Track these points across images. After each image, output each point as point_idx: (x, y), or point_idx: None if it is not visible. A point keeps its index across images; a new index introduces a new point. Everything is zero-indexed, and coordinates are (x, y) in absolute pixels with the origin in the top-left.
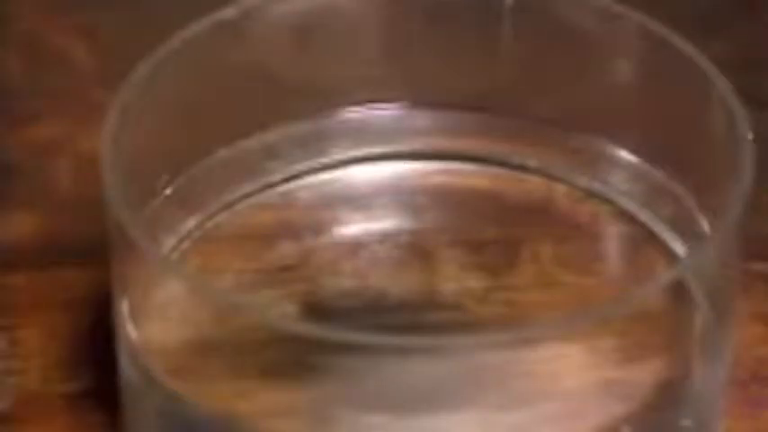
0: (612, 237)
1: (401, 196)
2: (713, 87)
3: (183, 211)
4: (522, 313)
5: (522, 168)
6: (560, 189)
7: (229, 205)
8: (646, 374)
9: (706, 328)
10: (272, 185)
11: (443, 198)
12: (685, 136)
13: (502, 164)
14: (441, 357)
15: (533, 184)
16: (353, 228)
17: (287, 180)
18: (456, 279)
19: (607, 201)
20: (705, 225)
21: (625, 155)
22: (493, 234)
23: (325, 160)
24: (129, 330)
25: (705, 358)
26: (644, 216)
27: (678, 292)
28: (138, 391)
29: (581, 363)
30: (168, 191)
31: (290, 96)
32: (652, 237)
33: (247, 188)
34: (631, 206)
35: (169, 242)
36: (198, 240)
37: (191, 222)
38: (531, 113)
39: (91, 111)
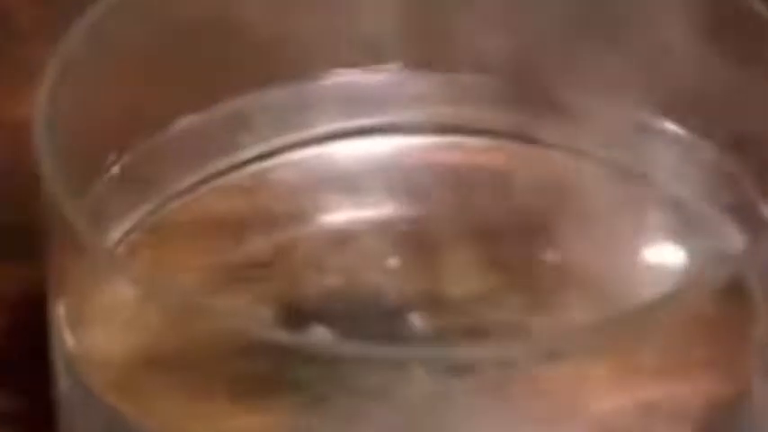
0: (655, 226)
1: (398, 177)
2: None
3: (133, 195)
4: (544, 320)
5: (544, 143)
6: (590, 169)
7: (190, 188)
8: (693, 394)
9: (767, 337)
10: (242, 164)
11: (448, 179)
12: (744, 104)
13: (519, 138)
14: (445, 372)
15: (557, 163)
16: (340, 215)
17: (260, 158)
18: (464, 278)
19: (648, 183)
20: (767, 212)
21: (670, 127)
22: (509, 223)
23: (306, 134)
24: (67, 338)
25: (765, 377)
26: (693, 201)
27: (734, 292)
28: (75, 410)
29: (613, 381)
30: (116, 169)
31: (264, 57)
32: (703, 226)
33: (212, 167)
34: (678, 189)
35: (116, 232)
36: (151, 230)
37: (143, 209)
38: (555, 77)
39: (29, 72)
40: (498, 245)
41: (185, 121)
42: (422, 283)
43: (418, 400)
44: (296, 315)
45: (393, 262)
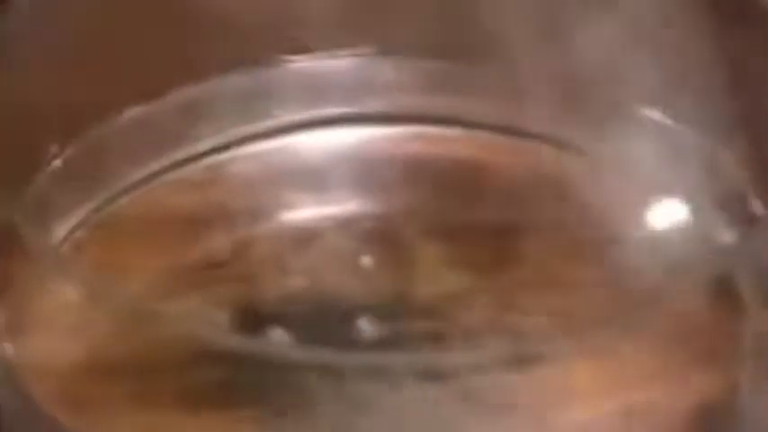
0: (639, 221)
1: (364, 171)
2: None
3: (78, 190)
4: (520, 323)
5: (520, 134)
6: (571, 161)
7: (141, 183)
8: (680, 398)
9: (758, 336)
10: (197, 157)
11: (418, 173)
12: (735, 93)
13: (493, 127)
14: (415, 379)
15: (536, 155)
16: (303, 212)
17: (217, 150)
18: (435, 278)
19: (632, 175)
20: (758, 206)
21: (655, 117)
22: (481, 219)
23: (266, 124)
24: (5, 346)
25: (757, 376)
26: (681, 194)
27: (723, 290)
28: (15, 422)
29: (596, 385)
30: (58, 163)
31: (220, 41)
32: (690, 220)
33: (165, 160)
34: (664, 182)
35: (60, 230)
36: (98, 228)
37: (89, 204)
38: (531, 63)
39: None
40: (470, 242)
41: (135, 111)
42: (389, 284)
43: (386, 410)
44: (255, 319)
45: (359, 262)
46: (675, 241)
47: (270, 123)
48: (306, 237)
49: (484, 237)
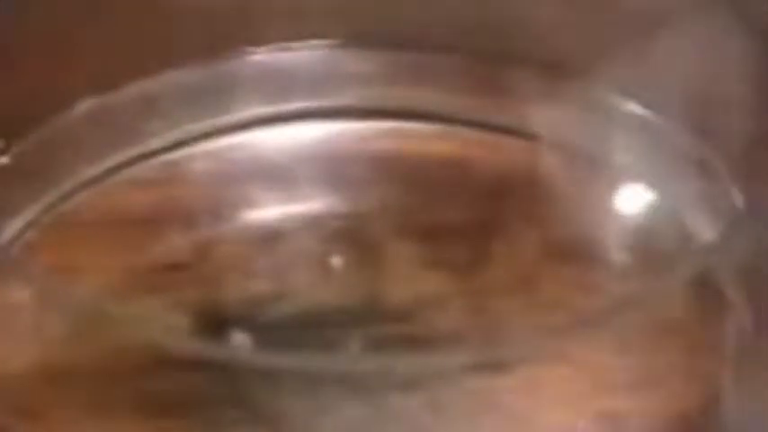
0: (619, 218)
1: (332, 168)
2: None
3: (28, 188)
4: (496, 326)
5: (497, 129)
6: (549, 157)
7: (95, 180)
8: (660, 404)
9: (742, 339)
10: (155, 153)
11: (389, 170)
12: (714, 82)
13: (468, 123)
14: (387, 385)
15: (512, 151)
16: (267, 212)
17: (176, 146)
18: (408, 280)
19: (613, 170)
20: (740, 200)
21: (636, 110)
22: (457, 218)
23: (226, 119)
24: None
25: (741, 380)
26: (661, 189)
27: (704, 290)
28: None
29: (573, 390)
30: (5, 159)
31: (177, 32)
32: (671, 216)
33: (120, 156)
34: (644, 177)
35: (10, 230)
36: (50, 228)
37: (40, 203)
38: (510, 54)
39: None
40: (445, 242)
41: (88, 104)
42: (360, 287)
43: (355, 419)
44: (217, 324)
45: (327, 263)
46: (655, 238)
47: (231, 118)
48: (271, 237)
49: (459, 236)
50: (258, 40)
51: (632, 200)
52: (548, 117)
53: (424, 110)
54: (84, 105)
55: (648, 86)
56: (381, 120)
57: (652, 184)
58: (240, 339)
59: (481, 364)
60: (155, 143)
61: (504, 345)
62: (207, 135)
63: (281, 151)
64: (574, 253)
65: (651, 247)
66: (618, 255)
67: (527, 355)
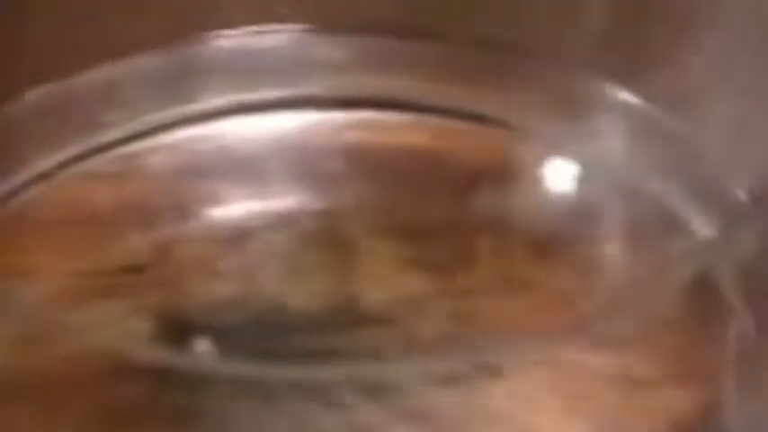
0: (611, 215)
1: (304, 161)
2: None
3: None
4: (481, 330)
5: (478, 118)
6: (536, 149)
7: (45, 175)
8: (656, 412)
9: (743, 343)
10: (113, 145)
11: (366, 164)
12: (712, 64)
13: (447, 112)
14: (364, 396)
15: (495, 142)
16: (234, 208)
17: (136, 137)
18: (386, 282)
19: (602, 164)
20: (742, 194)
21: (628, 98)
22: (439, 215)
23: (191, 109)
24: None
25: (742, 387)
26: (655, 183)
27: (703, 291)
28: None
29: (568, 400)
30: None
31: (135, 14)
32: (667, 212)
33: (75, 148)
34: (637, 170)
35: None
36: None
37: None
38: (490, 38)
39: None
40: (426, 241)
41: (40, 92)
42: (334, 290)
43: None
44: (180, 330)
45: (299, 265)
46: (649, 235)
47: (196, 107)
48: (238, 236)
49: (441, 235)
50: (225, 24)
51: (623, 194)
52: (528, 106)
53: (400, 99)
54: (36, 93)
55: (640, 74)
56: (355, 109)
57: (645, 176)
58: (204, 346)
59: (465, 372)
60: (113, 134)
61: (492, 350)
62: (169, 126)
63: (249, 143)
64: (563, 251)
65: (645, 244)
66: (610, 253)
67: (517, 362)
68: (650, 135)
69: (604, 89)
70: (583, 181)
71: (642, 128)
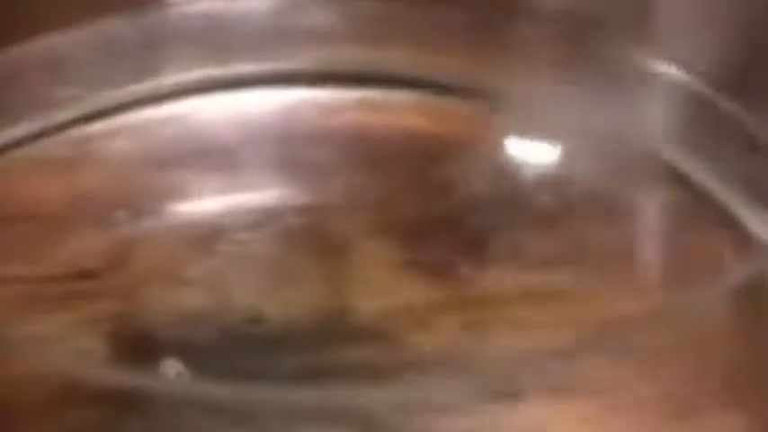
0: (643, 211)
1: (286, 148)
2: None
3: None
4: (491, 345)
5: (488, 96)
6: (543, 131)
7: None
8: None
9: None
10: (61, 127)
11: (358, 151)
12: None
13: (451, 89)
14: (354, 422)
15: (506, 125)
16: (205, 203)
17: (88, 119)
18: (381, 289)
19: (634, 149)
20: None
21: (668, 71)
22: (437, 213)
23: (153, 85)
24: None
25: None
26: (696, 173)
27: (755, 300)
28: None
29: (594, 424)
30: None
31: None
32: (709, 207)
33: (17, 131)
34: (676, 157)
35: None
36: None
37: None
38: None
39: None
40: (427, 242)
41: None
42: (321, 299)
43: None
44: (141, 348)
45: (281, 269)
46: (692, 232)
47: (158, 84)
48: (208, 237)
49: (445, 233)
50: None
51: (661, 183)
52: (543, 80)
53: (397, 73)
54: None
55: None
56: (345, 87)
57: (683, 167)
58: (170, 366)
59: (474, 393)
60: (62, 114)
61: (502, 370)
62: (129, 105)
63: (222, 126)
64: (587, 252)
65: (687, 243)
66: (644, 255)
67: (532, 384)
68: (693, 115)
69: (645, 64)
70: (613, 170)
71: (683, 105)
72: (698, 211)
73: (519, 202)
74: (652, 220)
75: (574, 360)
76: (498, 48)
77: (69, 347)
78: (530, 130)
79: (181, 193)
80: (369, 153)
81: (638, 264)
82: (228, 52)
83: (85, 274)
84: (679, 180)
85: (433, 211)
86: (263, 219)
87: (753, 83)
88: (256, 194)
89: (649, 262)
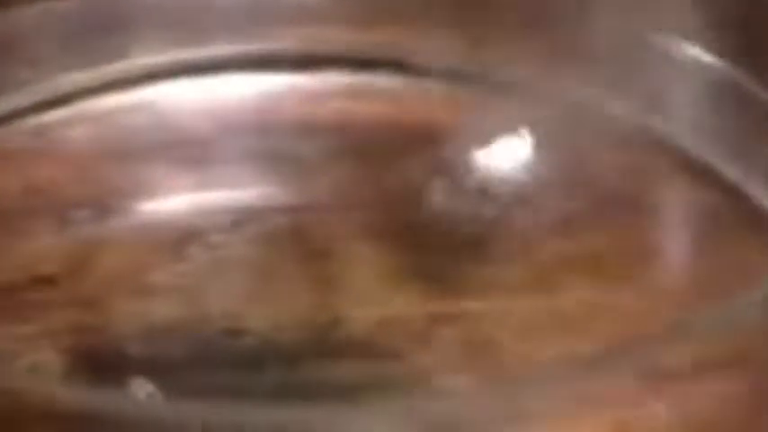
0: (670, 206)
1: (265, 141)
2: None
3: None
4: (500, 361)
5: (491, 81)
6: (552, 118)
7: None
8: None
9: None
10: (15, 115)
11: (345, 143)
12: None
13: (449, 74)
14: None
15: (507, 111)
16: (175, 202)
17: (45, 106)
18: (372, 298)
19: (659, 140)
20: None
21: (693, 53)
22: (434, 215)
23: (116, 69)
24: None
25: None
26: (723, 164)
27: None
28: None
29: None
30: None
31: None
32: (740, 202)
33: None
34: (700, 147)
35: None
36: None
37: None
38: None
39: None
40: (425, 246)
41: None
42: (306, 309)
43: None
44: (104, 364)
45: (260, 276)
46: (724, 233)
47: (123, 68)
48: (180, 239)
49: (441, 237)
50: None
51: (687, 180)
52: (553, 63)
53: (390, 56)
54: None
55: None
56: (330, 71)
57: (707, 158)
58: (139, 386)
59: (487, 413)
60: (17, 100)
61: (508, 389)
62: (90, 91)
63: (194, 116)
64: (603, 258)
65: (717, 248)
66: (669, 262)
67: (551, 402)
68: (719, 101)
69: (670, 46)
70: (634, 162)
71: (709, 91)
72: (727, 211)
73: (526, 200)
74: (676, 221)
75: (587, 376)
76: (496, 28)
77: (23, 364)
78: (532, 117)
79: (149, 190)
80: (359, 145)
81: (659, 272)
82: (201, 32)
83: (42, 281)
84: (705, 176)
85: (432, 211)
86: (240, 219)
87: None
88: (233, 192)
89: (674, 269)
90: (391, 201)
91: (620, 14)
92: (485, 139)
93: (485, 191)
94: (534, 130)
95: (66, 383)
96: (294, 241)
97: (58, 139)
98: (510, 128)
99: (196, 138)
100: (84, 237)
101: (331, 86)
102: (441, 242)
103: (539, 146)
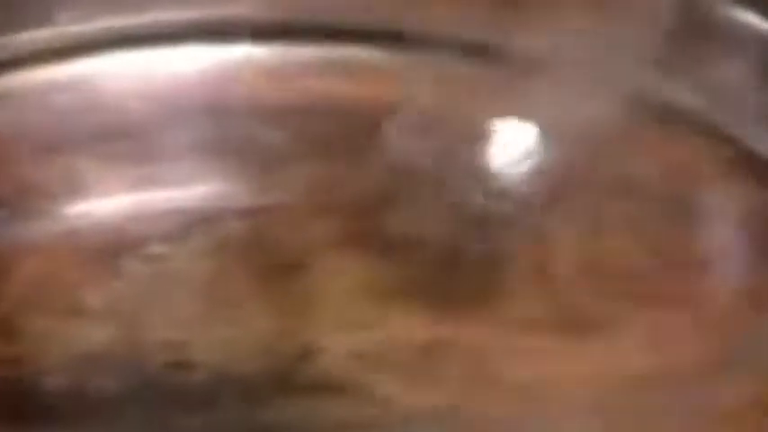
0: (714, 210)
1: (220, 128)
2: None
3: None
4: (499, 397)
5: (478, 51)
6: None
7: None
8: None
9: None
10: None
11: (318, 131)
12: None
13: (444, 44)
14: None
15: (519, 98)
16: (111, 203)
17: None
18: (351, 322)
19: (697, 123)
20: None
21: (752, 19)
22: (429, 212)
23: (42, 37)
24: None
25: None
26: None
27: None
28: None
29: None
30: None
31: None
32: None
33: None
34: (753, 134)
35: None
36: None
37: None
38: None
39: None
40: (412, 256)
41: None
42: (267, 334)
43: None
44: (22, 403)
45: (214, 296)
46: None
47: (48, 37)
48: (114, 249)
49: (436, 244)
50: None
51: (739, 176)
52: (573, 35)
53: (369, 27)
54: None
55: None
56: (302, 42)
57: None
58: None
59: None
60: None
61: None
62: (11, 63)
63: (133, 96)
64: (620, 275)
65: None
66: (708, 278)
67: None
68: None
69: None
70: (672, 156)
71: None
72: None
73: (542, 202)
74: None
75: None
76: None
77: None
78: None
79: (76, 188)
80: (333, 133)
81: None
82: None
83: None
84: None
85: (419, 213)
86: (188, 225)
87: None
88: (179, 191)
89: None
90: (373, 202)
91: None
92: (490, 132)
93: (493, 192)
94: (548, 119)
95: None
96: (254, 252)
97: None
98: (519, 116)
99: (135, 124)
100: (2, 244)
101: (301, 61)
102: (435, 253)
103: (552, 138)
